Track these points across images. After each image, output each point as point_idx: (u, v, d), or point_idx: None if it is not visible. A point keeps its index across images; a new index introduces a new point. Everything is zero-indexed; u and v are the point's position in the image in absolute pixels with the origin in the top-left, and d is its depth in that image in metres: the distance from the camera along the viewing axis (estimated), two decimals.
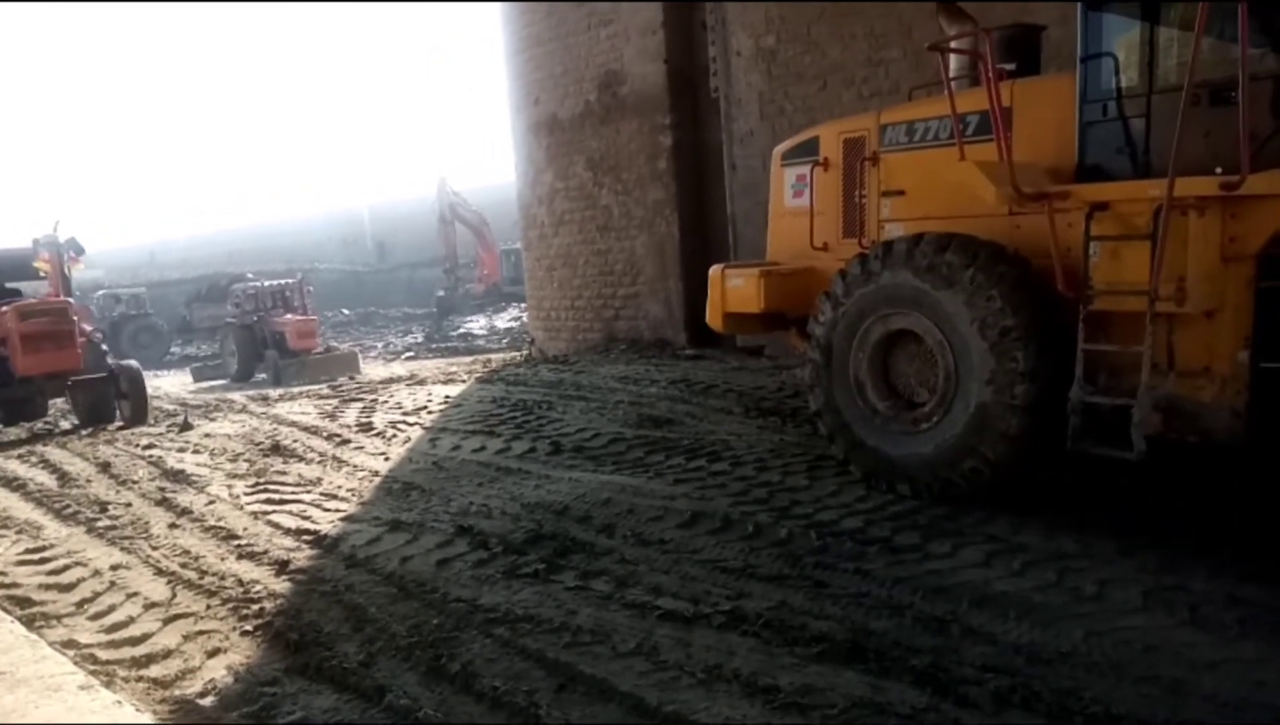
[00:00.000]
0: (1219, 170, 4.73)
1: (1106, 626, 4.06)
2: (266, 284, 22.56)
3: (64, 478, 8.13)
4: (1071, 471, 5.78)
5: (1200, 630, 4.00)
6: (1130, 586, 4.41)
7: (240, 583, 5.17)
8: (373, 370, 18.12)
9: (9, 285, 12.43)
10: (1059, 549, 4.89)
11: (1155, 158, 5.11)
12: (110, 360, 12.10)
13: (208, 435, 9.78)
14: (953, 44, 6.21)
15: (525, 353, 15.60)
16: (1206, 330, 4.93)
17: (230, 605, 4.88)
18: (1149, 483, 5.63)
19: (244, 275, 27.33)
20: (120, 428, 11.18)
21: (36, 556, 5.95)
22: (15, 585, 5.42)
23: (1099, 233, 5.15)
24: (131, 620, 4.81)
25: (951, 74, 6.10)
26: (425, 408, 10.02)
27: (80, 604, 5.10)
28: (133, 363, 12.42)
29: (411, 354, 22.47)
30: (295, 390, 13.62)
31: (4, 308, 11.32)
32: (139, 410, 11.38)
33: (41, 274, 12.22)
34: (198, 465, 8.24)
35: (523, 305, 20.57)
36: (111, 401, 11.67)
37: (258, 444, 8.81)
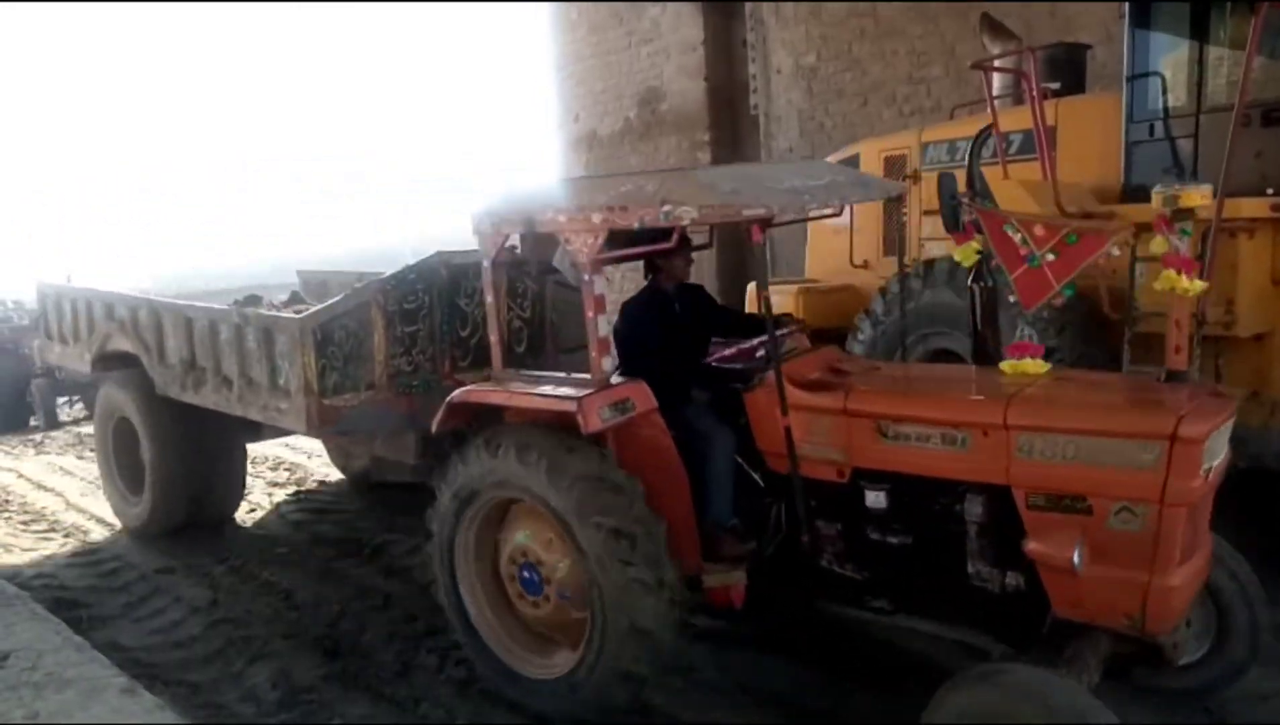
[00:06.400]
0: (1270, 191, 4.65)
1: None
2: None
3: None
4: None
5: None
6: None
7: (280, 590, 5.25)
8: None
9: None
10: None
11: (1203, 178, 5.02)
12: None
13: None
14: (996, 62, 6.17)
15: None
16: (1256, 354, 4.83)
17: (271, 612, 4.96)
18: None
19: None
20: None
21: (85, 559, 6.08)
22: (64, 588, 5.54)
23: (1145, 254, 5.07)
24: (175, 625, 4.90)
25: (995, 92, 6.06)
26: None
27: (126, 607, 5.21)
28: None
29: None
30: None
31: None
32: None
33: None
34: None
35: None
36: None
37: (302, 450, 8.92)
